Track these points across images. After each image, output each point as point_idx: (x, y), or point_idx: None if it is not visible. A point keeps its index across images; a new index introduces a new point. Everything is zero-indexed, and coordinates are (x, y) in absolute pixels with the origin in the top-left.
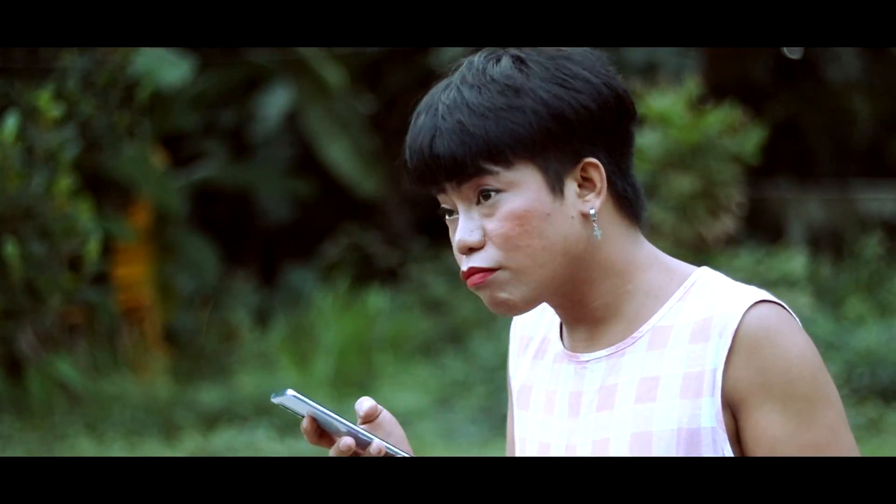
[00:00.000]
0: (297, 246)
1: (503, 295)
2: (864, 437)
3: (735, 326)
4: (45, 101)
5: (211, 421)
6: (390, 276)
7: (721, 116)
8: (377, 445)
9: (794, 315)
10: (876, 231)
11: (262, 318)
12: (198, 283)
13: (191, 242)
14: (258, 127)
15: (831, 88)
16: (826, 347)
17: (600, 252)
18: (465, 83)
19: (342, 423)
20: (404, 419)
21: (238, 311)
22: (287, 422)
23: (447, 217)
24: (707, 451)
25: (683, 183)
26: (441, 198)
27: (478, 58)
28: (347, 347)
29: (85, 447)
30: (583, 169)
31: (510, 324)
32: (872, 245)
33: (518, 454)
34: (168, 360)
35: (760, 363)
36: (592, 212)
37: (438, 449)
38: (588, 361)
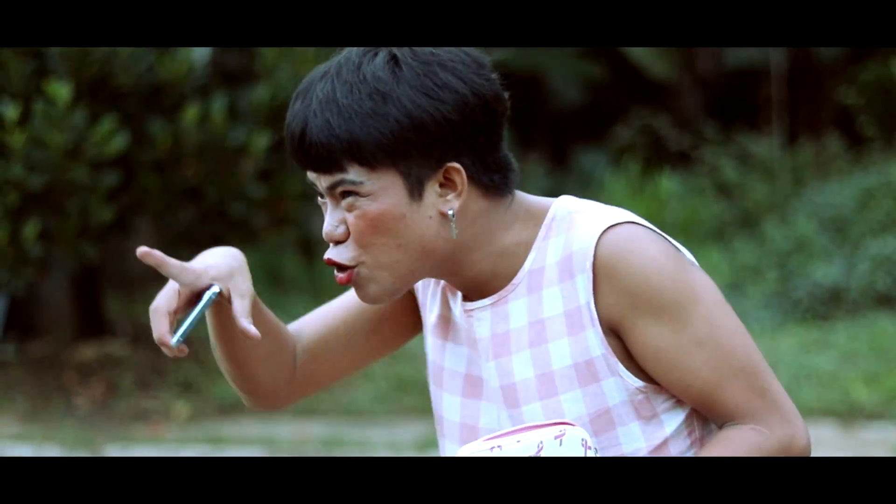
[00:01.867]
0: (589, 129)
1: (367, 291)
2: None
3: (591, 259)
4: None
5: None
6: (682, 160)
7: None
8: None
9: (648, 224)
10: None
11: None
12: None
13: None
14: None
15: None
16: None
17: (464, 239)
18: (340, 78)
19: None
20: None
21: (530, 192)
22: None
23: (318, 199)
24: (604, 377)
25: None
26: (313, 178)
27: (357, 50)
28: None
29: None
30: (446, 172)
31: (803, 210)
32: None
33: (441, 430)
34: None
35: (622, 285)
36: (451, 213)
37: None
38: (474, 310)
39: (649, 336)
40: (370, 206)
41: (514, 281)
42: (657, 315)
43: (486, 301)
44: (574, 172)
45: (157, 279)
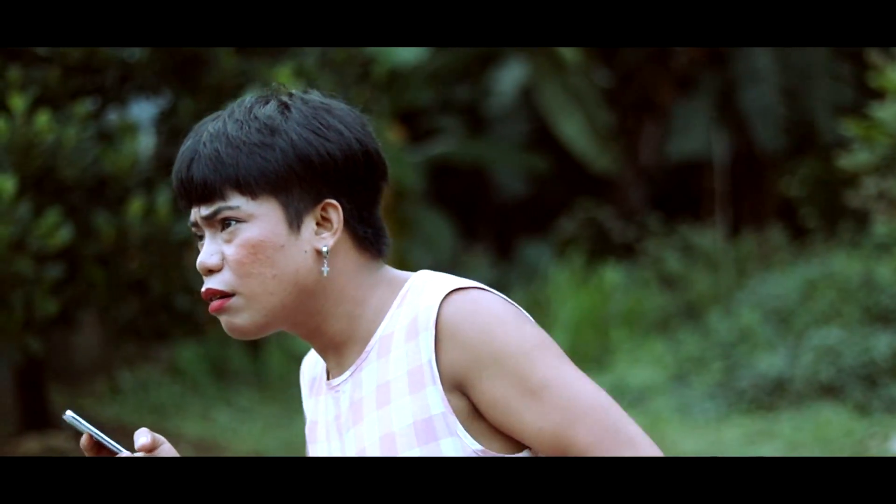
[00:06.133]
0: (533, 221)
1: (237, 320)
2: None
3: (434, 317)
4: (285, 78)
5: None
6: (626, 252)
7: None
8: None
9: (493, 290)
10: None
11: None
12: (434, 258)
13: (427, 217)
14: (494, 102)
15: None
16: None
17: (333, 284)
18: (232, 117)
19: (113, 445)
20: (640, 395)
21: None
22: None
23: (198, 242)
24: (443, 436)
25: None
26: (195, 215)
27: (250, 97)
28: (583, 322)
29: None
30: (323, 209)
31: (747, 301)
32: None
33: None
34: None
35: (464, 341)
36: (325, 249)
37: (675, 424)
38: (339, 385)
39: (495, 388)
40: (251, 232)
41: (367, 348)
42: (501, 366)
43: (347, 374)
44: (518, 264)
45: (101, 371)
